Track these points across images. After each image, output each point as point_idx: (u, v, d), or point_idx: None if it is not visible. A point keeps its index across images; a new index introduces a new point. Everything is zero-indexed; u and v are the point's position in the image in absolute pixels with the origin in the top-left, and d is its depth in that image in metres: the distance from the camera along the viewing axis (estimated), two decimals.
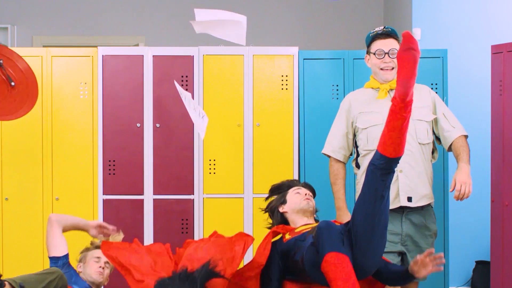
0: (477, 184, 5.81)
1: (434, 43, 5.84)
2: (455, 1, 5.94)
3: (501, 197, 4.76)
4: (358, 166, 4.15)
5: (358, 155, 4.12)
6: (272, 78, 5.05)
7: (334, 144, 4.14)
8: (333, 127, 4.18)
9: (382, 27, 4.08)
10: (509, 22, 5.90)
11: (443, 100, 4.75)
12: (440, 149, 5.10)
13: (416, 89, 4.02)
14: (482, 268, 5.68)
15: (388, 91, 4.03)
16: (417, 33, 5.92)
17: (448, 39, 5.86)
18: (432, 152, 4.13)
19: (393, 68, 3.98)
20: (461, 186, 3.91)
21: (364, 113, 4.04)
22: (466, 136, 4.10)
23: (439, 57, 5.08)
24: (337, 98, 5.09)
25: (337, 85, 5.09)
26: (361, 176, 4.08)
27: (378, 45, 4.01)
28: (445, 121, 4.04)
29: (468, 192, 3.95)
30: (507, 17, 5.92)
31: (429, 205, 4.08)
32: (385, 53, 3.99)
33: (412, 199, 3.96)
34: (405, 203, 3.96)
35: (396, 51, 3.96)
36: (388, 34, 4.03)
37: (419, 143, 3.98)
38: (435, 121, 4.06)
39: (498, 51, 4.81)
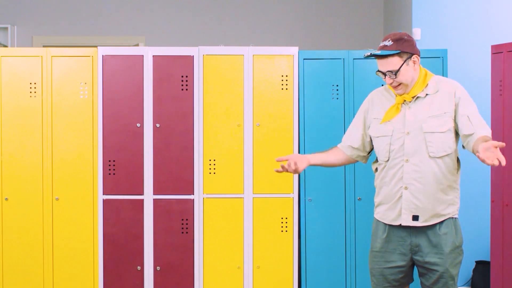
0: (477, 184, 5.83)
1: (434, 43, 5.84)
2: (455, 1, 5.94)
3: (501, 197, 4.76)
4: (376, 169, 3.92)
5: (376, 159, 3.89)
6: (272, 78, 5.05)
7: (347, 142, 3.90)
8: (352, 123, 3.93)
9: (376, 48, 3.70)
10: (509, 22, 5.91)
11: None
12: None
13: (438, 93, 3.67)
14: (482, 268, 5.68)
15: (401, 105, 3.69)
16: (417, 33, 5.92)
17: (448, 39, 5.86)
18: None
19: (400, 84, 3.64)
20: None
21: (378, 119, 3.77)
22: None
23: (439, 57, 5.08)
24: (337, 98, 5.09)
25: (337, 85, 5.09)
26: (377, 179, 3.86)
27: (378, 64, 3.67)
28: (468, 123, 3.61)
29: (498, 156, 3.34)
30: (507, 17, 5.92)
31: (444, 221, 3.70)
32: (384, 74, 3.65)
33: (420, 218, 3.66)
34: (409, 222, 3.67)
35: (393, 72, 3.60)
36: (381, 56, 3.64)
37: (431, 157, 3.63)
38: (459, 123, 3.65)
39: (498, 51, 4.81)
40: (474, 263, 5.79)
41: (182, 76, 5.04)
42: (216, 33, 7.45)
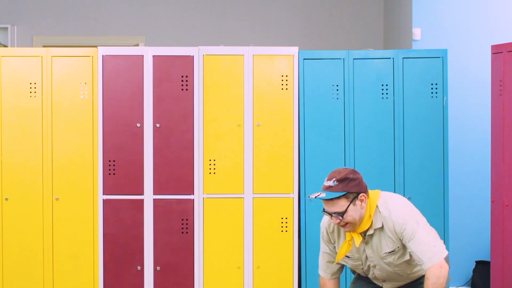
0: (477, 184, 5.83)
1: (434, 43, 5.84)
2: (455, 1, 5.94)
3: (501, 197, 4.76)
4: None
5: None
6: (272, 78, 5.05)
7: (327, 271, 3.77)
8: (321, 255, 3.78)
9: (320, 192, 3.53)
10: (509, 22, 5.91)
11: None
12: (439, 146, 5.11)
13: (384, 229, 3.53)
14: (482, 268, 5.68)
15: (351, 240, 3.56)
16: (417, 33, 5.92)
17: (448, 39, 5.86)
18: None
19: (346, 224, 3.50)
20: None
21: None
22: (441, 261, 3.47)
23: (439, 57, 5.08)
24: (337, 98, 5.09)
25: (337, 85, 5.09)
26: None
27: (324, 204, 3.53)
28: (416, 257, 3.49)
29: None
30: (507, 17, 5.92)
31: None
32: (330, 215, 3.51)
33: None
34: None
35: (340, 214, 3.45)
36: (327, 199, 3.49)
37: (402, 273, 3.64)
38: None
39: (498, 51, 4.80)
40: (474, 263, 5.79)
41: (182, 76, 5.04)
42: (216, 33, 7.45)
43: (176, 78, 5.03)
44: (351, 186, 3.46)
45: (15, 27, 7.44)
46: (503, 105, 4.72)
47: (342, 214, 3.45)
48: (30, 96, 5.05)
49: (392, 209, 3.52)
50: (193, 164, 5.04)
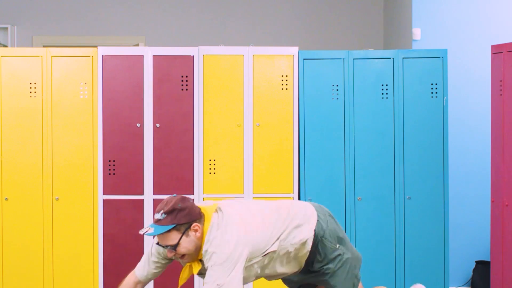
0: (477, 184, 5.83)
1: (434, 43, 5.84)
2: (455, 1, 5.94)
3: (501, 197, 4.76)
4: None
5: None
6: (272, 78, 5.05)
7: (145, 266, 3.52)
8: (144, 256, 3.54)
9: (149, 227, 3.28)
10: (509, 22, 5.91)
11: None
12: (439, 146, 5.11)
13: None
14: (482, 268, 5.68)
15: (189, 266, 3.39)
16: (417, 33, 5.92)
17: (448, 39, 5.86)
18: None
19: (183, 256, 3.29)
20: None
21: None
22: None
23: (439, 57, 5.08)
24: (337, 98, 5.09)
25: (337, 85, 5.09)
26: None
27: (157, 237, 3.30)
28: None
29: None
30: (507, 17, 5.92)
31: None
32: (165, 248, 3.31)
33: None
34: None
35: (173, 247, 3.24)
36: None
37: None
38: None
39: (498, 51, 4.80)
40: (474, 263, 5.79)
41: (182, 76, 5.04)
42: (216, 33, 7.45)
43: (176, 78, 5.03)
44: (180, 217, 3.22)
45: (15, 27, 7.44)
46: (503, 105, 4.72)
47: (174, 247, 3.24)
48: (30, 96, 5.05)
49: (218, 235, 3.26)
50: (193, 164, 5.04)
